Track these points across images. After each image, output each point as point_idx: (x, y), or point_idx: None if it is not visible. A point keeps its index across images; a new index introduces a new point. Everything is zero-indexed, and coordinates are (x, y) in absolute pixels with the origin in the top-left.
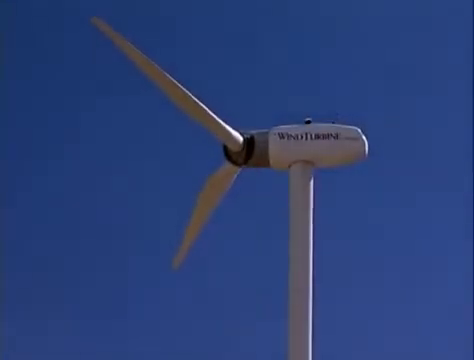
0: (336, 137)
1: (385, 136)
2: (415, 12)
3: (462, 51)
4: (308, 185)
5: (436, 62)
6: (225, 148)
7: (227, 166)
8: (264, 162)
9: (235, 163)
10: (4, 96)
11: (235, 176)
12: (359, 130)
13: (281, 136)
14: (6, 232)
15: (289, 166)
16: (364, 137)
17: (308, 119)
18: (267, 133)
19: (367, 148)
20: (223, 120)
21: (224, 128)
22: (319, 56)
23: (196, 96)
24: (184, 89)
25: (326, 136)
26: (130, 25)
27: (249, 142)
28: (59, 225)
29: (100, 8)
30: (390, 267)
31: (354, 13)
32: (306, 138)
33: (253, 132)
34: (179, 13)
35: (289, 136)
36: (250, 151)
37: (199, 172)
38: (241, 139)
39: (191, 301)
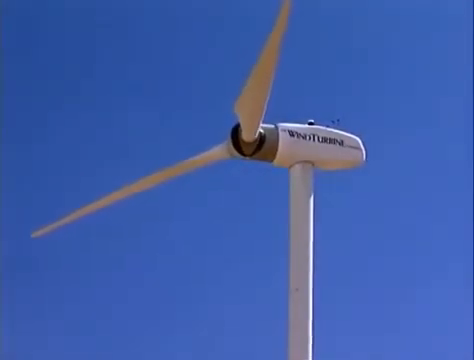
0: (341, 143)
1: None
2: (416, 13)
3: (463, 53)
4: (310, 185)
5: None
6: (234, 135)
7: (228, 149)
8: (269, 157)
9: (239, 151)
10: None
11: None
12: (359, 140)
13: (291, 134)
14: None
15: (290, 165)
16: (363, 147)
17: (311, 120)
18: (276, 128)
19: (364, 158)
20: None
21: (260, 120)
22: (318, 57)
23: (197, 94)
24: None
25: (332, 141)
26: (130, 23)
27: (262, 136)
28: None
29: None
30: (390, 267)
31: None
32: (313, 139)
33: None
34: (180, 12)
35: (298, 135)
36: (260, 144)
37: None
38: (258, 132)
39: (190, 301)
